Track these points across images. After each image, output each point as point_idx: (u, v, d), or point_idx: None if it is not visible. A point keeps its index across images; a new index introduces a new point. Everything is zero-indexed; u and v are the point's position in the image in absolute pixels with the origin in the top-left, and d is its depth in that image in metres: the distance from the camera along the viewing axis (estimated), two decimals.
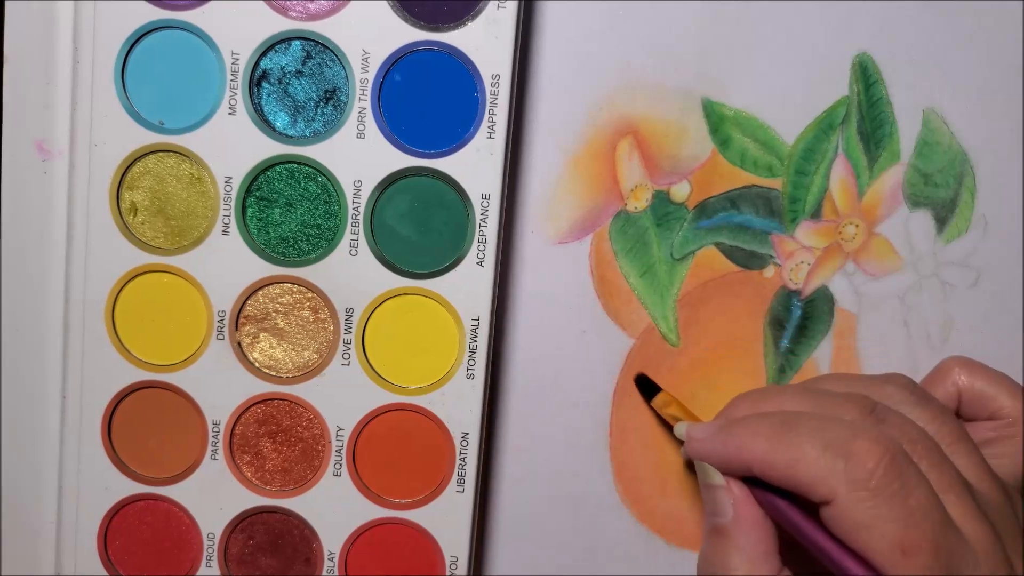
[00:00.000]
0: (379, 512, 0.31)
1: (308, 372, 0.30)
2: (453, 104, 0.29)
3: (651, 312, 0.33)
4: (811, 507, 0.25)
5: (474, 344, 0.30)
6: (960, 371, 0.31)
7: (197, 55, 0.29)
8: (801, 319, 0.33)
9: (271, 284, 0.30)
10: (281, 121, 0.29)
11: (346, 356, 0.30)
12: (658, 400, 0.32)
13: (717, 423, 0.28)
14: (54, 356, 0.30)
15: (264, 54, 0.29)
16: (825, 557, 0.25)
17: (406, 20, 0.28)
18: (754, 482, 0.27)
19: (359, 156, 0.29)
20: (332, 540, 0.31)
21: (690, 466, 0.33)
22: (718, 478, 0.27)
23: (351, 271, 0.30)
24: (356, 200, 0.29)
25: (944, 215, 0.33)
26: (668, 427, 0.31)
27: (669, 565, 0.34)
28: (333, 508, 0.31)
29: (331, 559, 0.31)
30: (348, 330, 0.30)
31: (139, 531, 0.31)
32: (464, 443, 0.30)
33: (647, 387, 0.32)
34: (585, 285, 0.32)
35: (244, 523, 0.31)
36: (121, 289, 0.30)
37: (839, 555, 0.25)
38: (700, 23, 0.31)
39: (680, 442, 0.30)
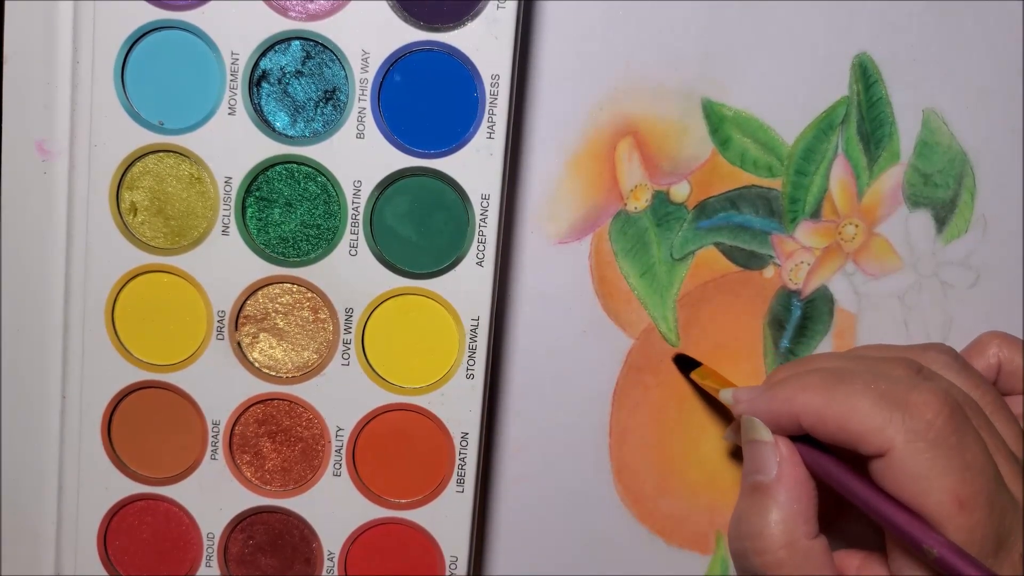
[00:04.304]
0: (379, 512, 0.31)
1: (308, 372, 0.30)
2: (453, 104, 0.29)
3: (651, 312, 0.33)
4: (858, 465, 0.25)
5: (474, 344, 0.30)
6: (1000, 345, 0.31)
7: (197, 55, 0.29)
8: (801, 319, 0.33)
9: (271, 284, 0.30)
10: (281, 121, 0.29)
11: (346, 356, 0.30)
12: (698, 372, 0.32)
13: (765, 385, 0.28)
14: (54, 356, 0.30)
15: (264, 54, 0.29)
16: (875, 513, 0.25)
17: (406, 20, 0.28)
18: (799, 443, 0.27)
19: (359, 156, 0.29)
20: (332, 540, 0.31)
21: (731, 441, 0.33)
22: (766, 434, 0.27)
23: (351, 271, 0.30)
24: (356, 200, 0.29)
25: (944, 215, 0.33)
26: (709, 398, 0.31)
27: (669, 565, 0.34)
28: (333, 508, 0.31)
29: (331, 559, 0.31)
30: (348, 330, 0.30)
31: (139, 531, 0.31)
32: (464, 443, 0.30)
33: (685, 364, 0.32)
34: (585, 285, 0.32)
35: (244, 523, 0.31)
36: (121, 289, 0.30)
37: (891, 510, 0.24)
38: (700, 23, 0.31)
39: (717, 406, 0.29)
